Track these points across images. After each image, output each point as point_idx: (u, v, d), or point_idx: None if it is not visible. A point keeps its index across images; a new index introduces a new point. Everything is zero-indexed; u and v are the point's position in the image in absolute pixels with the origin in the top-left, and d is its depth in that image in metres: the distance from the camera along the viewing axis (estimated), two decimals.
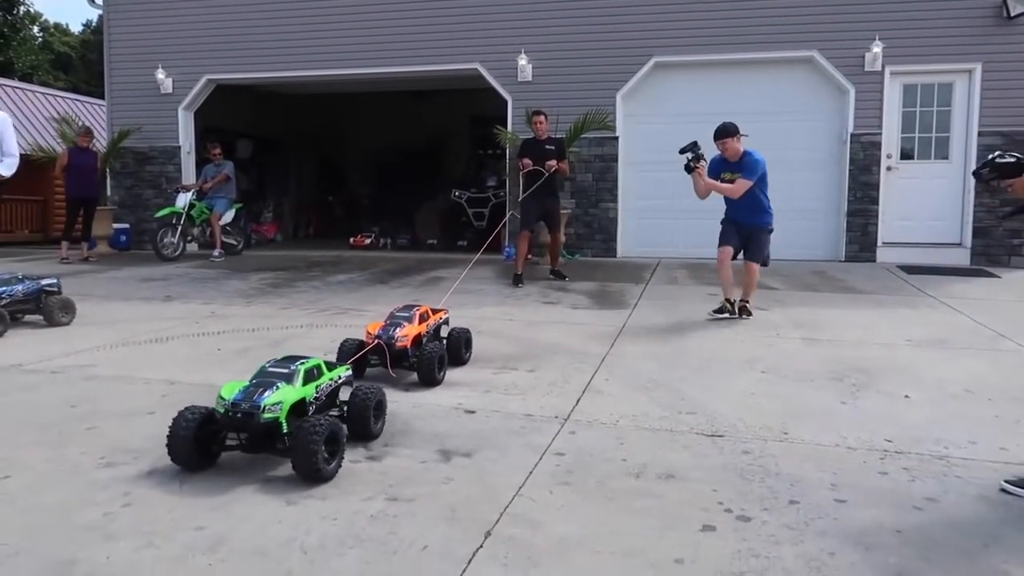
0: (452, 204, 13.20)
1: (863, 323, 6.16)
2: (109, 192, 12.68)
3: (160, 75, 12.17)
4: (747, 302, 6.30)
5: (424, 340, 4.34)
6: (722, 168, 6.40)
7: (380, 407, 3.27)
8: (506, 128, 10.78)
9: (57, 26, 36.91)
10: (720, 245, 6.48)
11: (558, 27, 10.73)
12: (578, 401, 3.86)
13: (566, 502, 2.59)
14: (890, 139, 10.02)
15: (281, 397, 2.80)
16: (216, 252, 10.90)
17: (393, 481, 2.74)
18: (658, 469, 2.92)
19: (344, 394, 3.27)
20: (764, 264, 6.46)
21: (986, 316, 6.34)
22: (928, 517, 2.54)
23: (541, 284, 8.27)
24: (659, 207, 10.79)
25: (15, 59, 24.10)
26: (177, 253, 10.75)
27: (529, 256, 8.85)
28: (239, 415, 2.74)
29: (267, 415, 2.74)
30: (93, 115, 16.97)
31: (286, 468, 2.84)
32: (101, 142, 12.91)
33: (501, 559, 2.16)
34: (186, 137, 12.44)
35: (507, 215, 10.13)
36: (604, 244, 10.85)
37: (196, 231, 11.25)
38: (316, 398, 3.02)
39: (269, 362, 3.06)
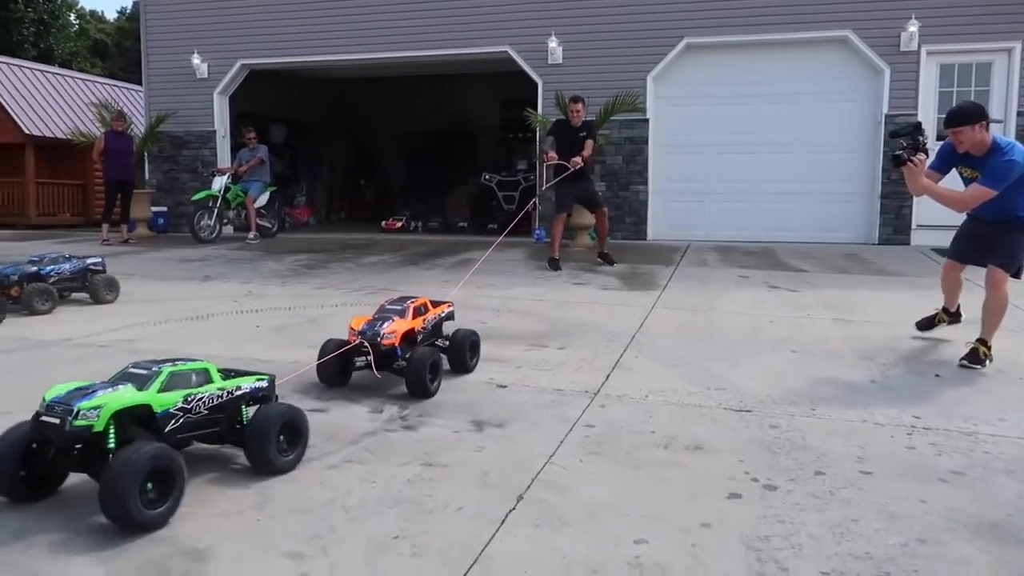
0: (482, 187, 13.27)
1: (895, 304, 6.12)
2: (147, 176, 12.94)
3: (196, 60, 12.37)
4: (986, 341, 4.25)
5: (420, 338, 3.78)
6: (955, 161, 4.39)
7: (294, 429, 2.64)
8: (536, 111, 10.80)
9: (93, 13, 37.54)
10: (950, 255, 4.76)
11: (589, 9, 10.71)
12: (608, 377, 3.92)
13: (596, 470, 2.67)
14: (926, 120, 9.85)
15: (105, 401, 2.20)
16: (251, 234, 11.10)
17: (428, 448, 2.84)
18: (686, 441, 2.99)
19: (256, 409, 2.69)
20: (1016, 275, 4.36)
21: (1021, 298, 6.27)
22: (953, 489, 2.58)
23: (571, 265, 8.32)
24: (690, 190, 10.78)
25: (55, 46, 24.60)
26: (213, 235, 10.97)
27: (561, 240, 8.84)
28: (46, 420, 2.18)
29: (79, 422, 2.14)
30: (130, 101, 17.29)
31: (324, 435, 2.94)
32: (139, 127, 13.17)
33: (533, 520, 2.24)
34: (221, 122, 12.65)
35: (537, 194, 10.11)
36: (634, 227, 10.85)
37: (232, 214, 11.46)
38: (182, 409, 2.42)
39: (134, 363, 2.52)
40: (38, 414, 2.21)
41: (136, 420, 2.30)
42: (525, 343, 4.66)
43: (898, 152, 4.20)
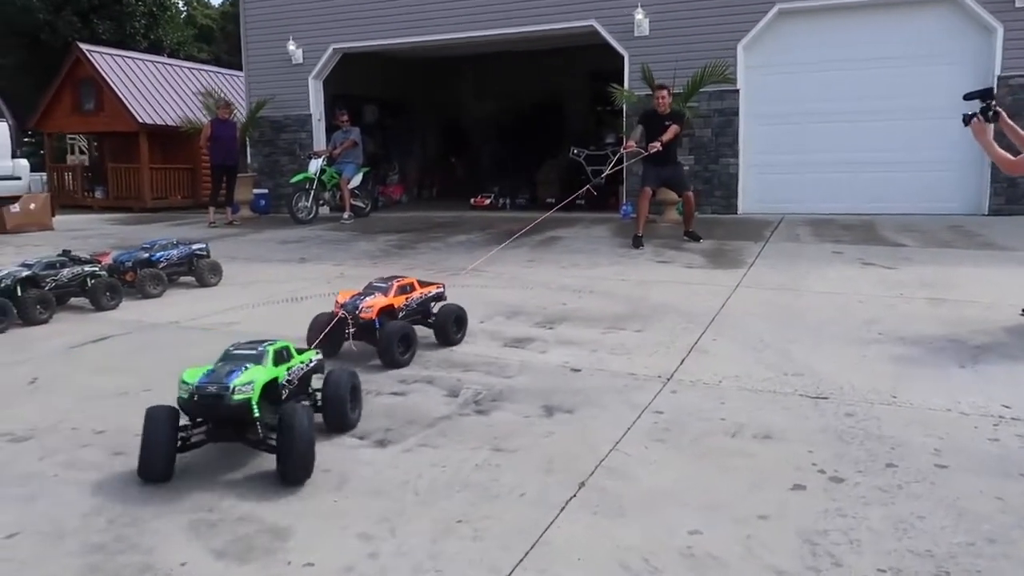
0: (570, 162, 13.23)
1: (999, 282, 5.82)
2: (249, 160, 13.59)
3: (291, 47, 12.83)
4: None
5: (401, 314, 4.01)
6: None
7: (355, 393, 3.01)
8: (622, 84, 10.67)
9: (199, 0, 39.17)
10: None
11: None
12: (683, 361, 3.93)
13: (660, 458, 2.72)
14: None
15: (251, 377, 2.56)
16: (346, 215, 11.51)
17: (498, 434, 2.95)
18: (755, 429, 2.98)
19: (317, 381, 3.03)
20: None
21: None
22: None
23: (657, 242, 8.26)
24: (783, 161, 10.46)
25: (163, 36, 25.95)
26: (311, 216, 11.44)
27: (647, 214, 8.77)
28: (207, 398, 2.49)
29: (238, 396, 2.50)
30: (233, 86, 18.08)
31: (403, 419, 3.10)
32: (241, 112, 13.80)
33: (592, 508, 2.33)
34: (316, 105, 13.11)
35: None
36: (724, 201, 10.63)
37: (327, 195, 11.91)
38: (288, 381, 2.79)
39: (234, 345, 2.82)
40: (192, 395, 2.50)
41: (266, 392, 2.63)
42: (603, 325, 4.70)
43: (965, 112, 4.69)
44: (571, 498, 2.38)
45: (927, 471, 2.59)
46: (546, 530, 2.18)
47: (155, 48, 24.34)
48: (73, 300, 5.44)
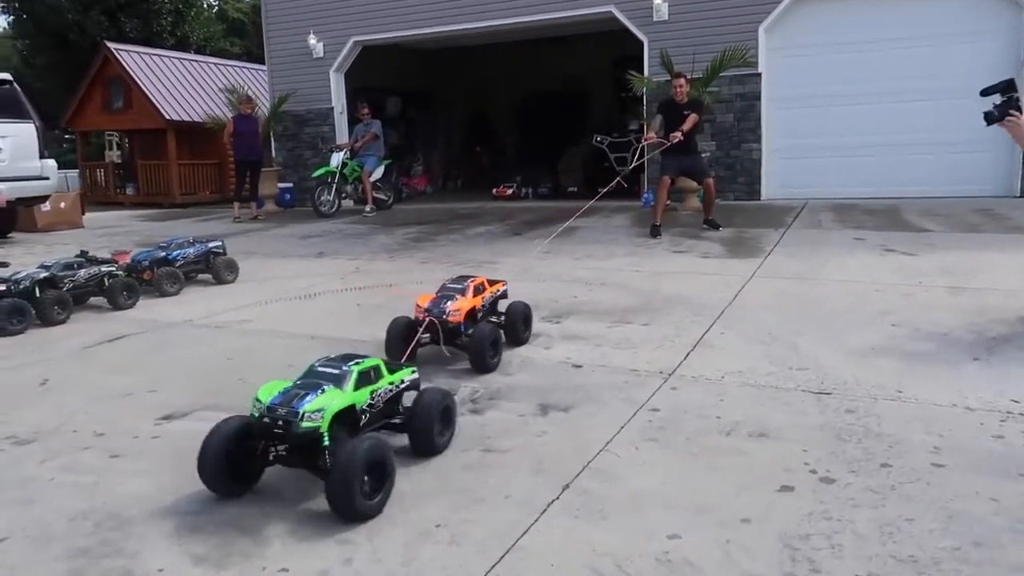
0: (593, 150, 13.13)
1: None
2: (274, 154, 13.71)
3: (312, 40, 12.90)
4: None
5: (480, 315, 3.99)
6: None
7: (447, 414, 2.81)
8: (642, 70, 10.55)
9: None
10: None
11: None
12: (687, 356, 3.89)
13: (649, 458, 2.69)
14: None
15: (324, 403, 2.39)
16: (368, 208, 11.58)
17: (491, 433, 2.95)
18: (751, 427, 2.94)
19: (408, 399, 2.85)
20: None
21: None
22: None
23: (676, 231, 8.19)
24: (807, 146, 10.27)
25: (190, 33, 26.25)
26: (333, 210, 11.53)
27: (668, 203, 8.68)
28: (275, 421, 2.37)
29: (306, 424, 2.34)
30: (259, 81, 18.22)
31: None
32: (265, 107, 13.92)
33: (574, 511, 2.31)
34: (338, 98, 13.17)
35: (642, 155, 9.86)
36: (747, 187, 10.48)
37: (349, 188, 11.99)
38: (370, 405, 2.62)
39: (320, 360, 2.66)
40: (260, 414, 2.39)
41: (341, 418, 2.47)
42: (611, 319, 4.67)
43: (987, 110, 4.19)
44: (553, 501, 2.37)
45: (923, 471, 2.53)
46: (523, 534, 2.17)
47: (182, 45, 24.64)
48: (92, 300, 5.55)
